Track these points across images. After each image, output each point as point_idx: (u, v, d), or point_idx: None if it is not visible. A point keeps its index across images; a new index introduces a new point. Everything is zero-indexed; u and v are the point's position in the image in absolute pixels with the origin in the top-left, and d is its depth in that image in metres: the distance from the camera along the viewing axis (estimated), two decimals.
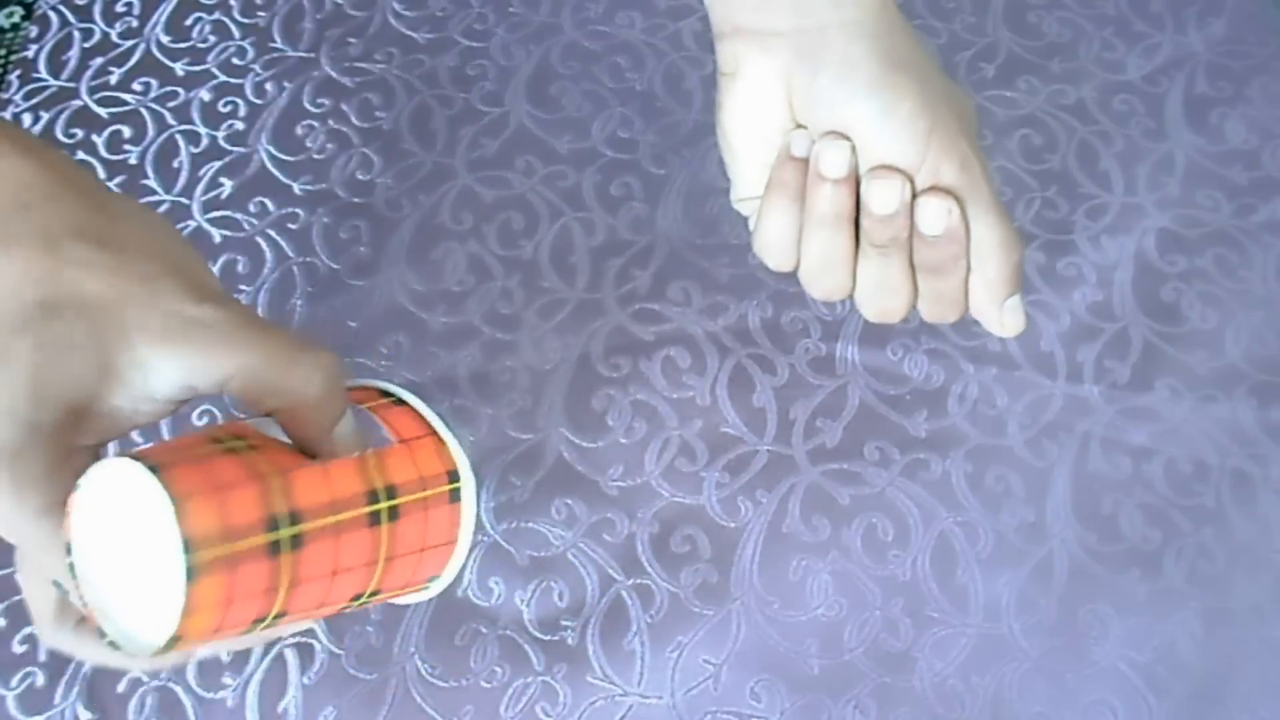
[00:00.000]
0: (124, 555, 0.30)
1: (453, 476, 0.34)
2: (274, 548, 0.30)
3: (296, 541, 0.30)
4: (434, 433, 0.35)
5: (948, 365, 0.50)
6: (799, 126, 0.39)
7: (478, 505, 0.38)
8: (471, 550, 0.46)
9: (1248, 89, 0.57)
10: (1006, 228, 0.38)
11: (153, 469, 0.29)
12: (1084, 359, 0.50)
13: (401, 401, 0.37)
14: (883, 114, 0.37)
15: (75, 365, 0.30)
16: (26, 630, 0.45)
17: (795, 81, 0.38)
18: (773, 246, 0.40)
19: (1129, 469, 0.48)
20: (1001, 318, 0.40)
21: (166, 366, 0.31)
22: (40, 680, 0.44)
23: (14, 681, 0.44)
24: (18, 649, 0.45)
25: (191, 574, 0.28)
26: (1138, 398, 0.49)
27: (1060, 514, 0.47)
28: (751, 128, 0.40)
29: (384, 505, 0.32)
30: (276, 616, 0.31)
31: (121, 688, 0.44)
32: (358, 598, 0.33)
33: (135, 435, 0.48)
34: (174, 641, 0.29)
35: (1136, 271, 0.52)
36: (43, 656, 0.45)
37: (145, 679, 0.44)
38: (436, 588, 0.37)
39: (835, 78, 0.37)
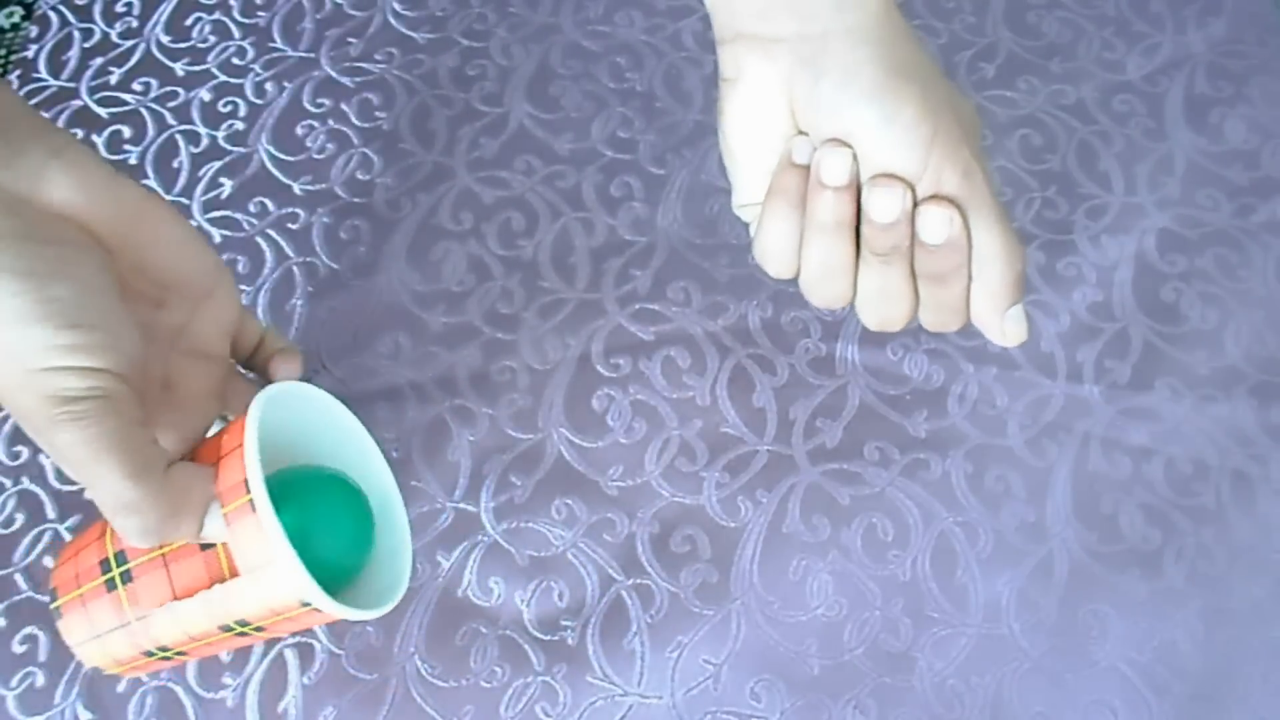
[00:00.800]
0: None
1: (247, 486, 0.34)
2: (110, 583, 0.36)
3: (126, 576, 0.36)
4: (242, 443, 0.35)
5: (948, 365, 0.50)
6: (801, 133, 0.39)
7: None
8: (471, 550, 0.46)
9: (1248, 89, 0.57)
10: (1009, 237, 0.38)
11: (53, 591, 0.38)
12: (1084, 359, 0.50)
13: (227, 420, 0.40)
14: (884, 121, 0.36)
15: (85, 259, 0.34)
16: (26, 630, 0.45)
17: (797, 88, 0.38)
18: (773, 254, 0.40)
19: (1129, 469, 0.48)
20: (1003, 327, 0.39)
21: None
22: (40, 680, 0.44)
23: (14, 681, 0.44)
24: (18, 649, 0.45)
25: (56, 614, 0.37)
26: (1138, 398, 0.49)
27: (1060, 514, 0.47)
28: (753, 134, 0.40)
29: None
30: (164, 650, 0.37)
31: (121, 688, 0.44)
32: (226, 626, 0.36)
33: None
34: (99, 668, 0.38)
35: (1136, 271, 0.52)
36: (43, 656, 0.45)
37: (145, 679, 0.44)
38: (321, 614, 0.36)
39: (837, 84, 0.37)
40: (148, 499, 0.33)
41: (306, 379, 0.41)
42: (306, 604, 0.35)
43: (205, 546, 0.35)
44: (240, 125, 0.58)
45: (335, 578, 0.37)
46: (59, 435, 0.32)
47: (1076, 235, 0.53)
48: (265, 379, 0.42)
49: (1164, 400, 0.49)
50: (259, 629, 0.36)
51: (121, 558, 0.36)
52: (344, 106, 0.58)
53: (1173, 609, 0.45)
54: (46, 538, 0.47)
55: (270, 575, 0.34)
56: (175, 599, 0.35)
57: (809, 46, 0.37)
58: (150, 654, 0.37)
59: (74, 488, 0.48)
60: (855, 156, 0.37)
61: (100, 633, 0.37)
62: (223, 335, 0.40)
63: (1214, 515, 0.46)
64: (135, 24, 0.61)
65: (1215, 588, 0.45)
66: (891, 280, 0.39)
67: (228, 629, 0.36)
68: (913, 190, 0.37)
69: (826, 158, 0.37)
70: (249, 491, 0.34)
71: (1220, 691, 0.43)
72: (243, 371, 0.43)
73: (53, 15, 0.61)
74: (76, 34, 0.61)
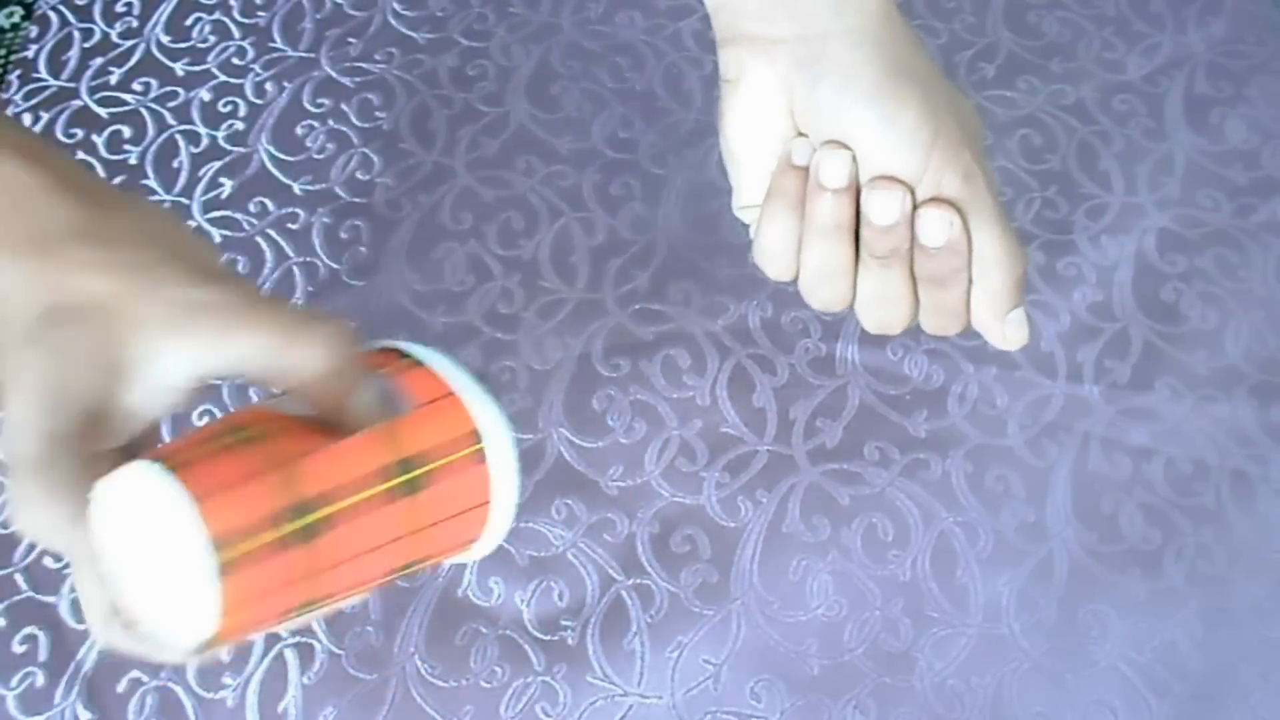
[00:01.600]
0: (151, 559, 0.29)
1: (476, 436, 0.33)
2: (298, 535, 0.29)
3: (320, 527, 0.30)
4: (454, 392, 0.34)
5: (948, 365, 0.50)
6: (801, 134, 0.39)
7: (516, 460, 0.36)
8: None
9: (1248, 89, 0.57)
10: (1009, 240, 0.38)
11: (169, 470, 0.28)
12: (1084, 359, 0.50)
13: (420, 363, 0.35)
14: (884, 123, 0.36)
15: (86, 370, 0.30)
16: (26, 630, 0.45)
17: (797, 89, 0.38)
18: (772, 255, 0.40)
19: (1129, 469, 0.48)
20: (1004, 330, 0.39)
21: (175, 354, 0.30)
22: (40, 680, 0.44)
23: (14, 681, 0.44)
24: (18, 649, 0.45)
25: (220, 573, 0.28)
26: (1138, 398, 0.49)
27: (1060, 514, 0.47)
28: (753, 135, 0.39)
29: (405, 478, 0.32)
30: (314, 602, 0.31)
31: (121, 688, 0.44)
32: (396, 570, 0.33)
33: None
34: (213, 640, 0.29)
35: (1136, 271, 0.52)
36: (43, 656, 0.45)
37: (145, 679, 0.44)
38: (479, 550, 0.35)
39: (837, 86, 0.37)
40: None
41: None
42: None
43: (394, 494, 0.31)
44: (240, 125, 0.58)
45: None
46: None
47: (1076, 235, 0.53)
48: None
49: (1164, 400, 0.49)
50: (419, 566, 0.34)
51: (317, 502, 0.30)
52: (344, 106, 0.58)
53: (1173, 609, 0.45)
54: None
55: (492, 521, 0.34)
56: (373, 550, 0.31)
57: (809, 48, 0.37)
58: (296, 611, 0.31)
59: None
60: (855, 159, 0.37)
61: (269, 591, 0.30)
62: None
63: (1214, 515, 0.46)
64: (135, 24, 0.61)
65: (1215, 588, 0.45)
66: (891, 283, 0.38)
67: (397, 570, 0.33)
68: (912, 193, 0.37)
69: (826, 160, 0.37)
70: (479, 441, 0.32)
71: (1220, 691, 0.43)
72: None
73: (53, 15, 0.61)
74: (76, 34, 0.61)
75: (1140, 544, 0.46)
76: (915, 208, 0.37)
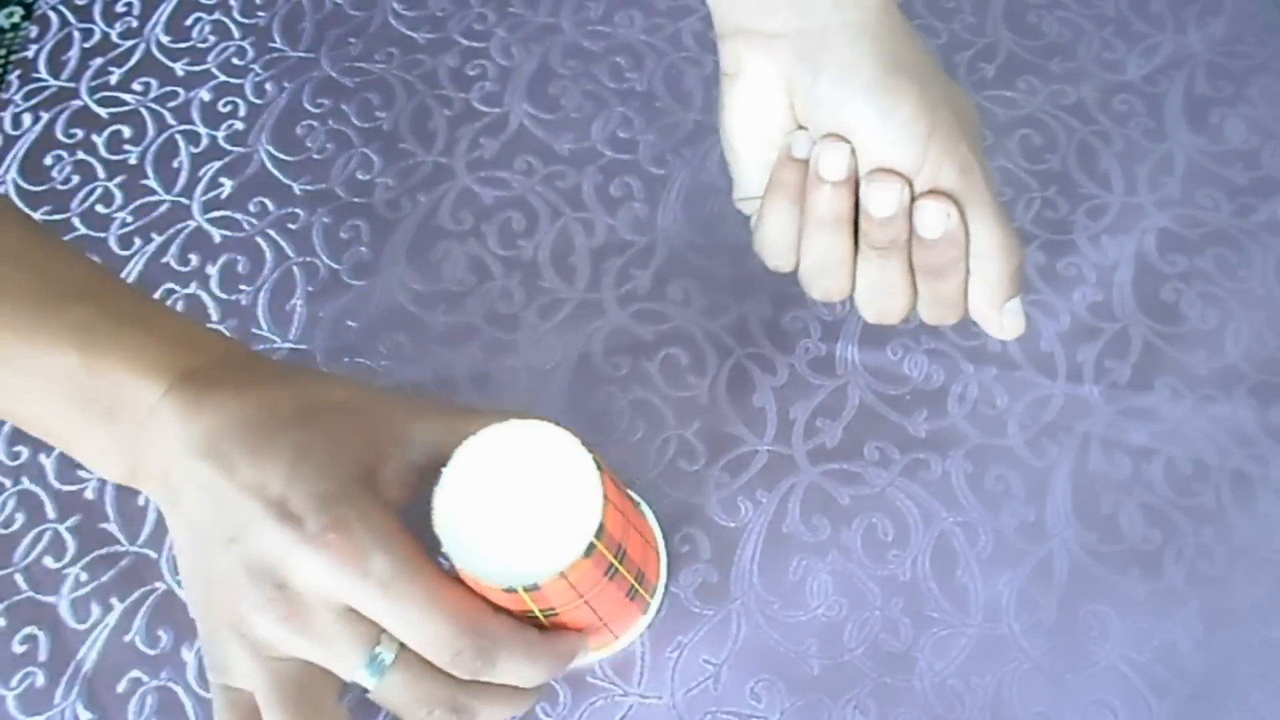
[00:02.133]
0: (521, 495, 0.35)
1: (654, 592, 0.43)
2: (610, 570, 0.37)
3: (614, 573, 0.37)
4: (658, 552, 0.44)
5: (948, 365, 0.50)
6: (800, 127, 0.39)
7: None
8: None
9: (1248, 89, 0.57)
10: (1006, 231, 0.38)
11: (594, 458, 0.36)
12: (1084, 359, 0.50)
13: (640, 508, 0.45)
14: (882, 117, 0.36)
15: (351, 441, 0.36)
16: (26, 630, 0.45)
17: (796, 83, 0.38)
18: (772, 247, 0.40)
19: (1129, 469, 0.48)
20: (1001, 321, 0.39)
21: (422, 434, 0.37)
22: (40, 680, 0.44)
23: (14, 681, 0.44)
24: (18, 649, 0.45)
25: (588, 550, 0.34)
26: (1138, 398, 0.49)
27: (1060, 514, 0.47)
28: (753, 128, 0.40)
29: (635, 585, 0.40)
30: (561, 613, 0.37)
31: (121, 688, 0.44)
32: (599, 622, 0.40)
33: None
34: (533, 588, 0.34)
35: (1136, 271, 0.52)
36: (43, 656, 0.45)
37: (145, 678, 0.44)
38: (595, 654, 0.43)
39: (836, 80, 0.37)
40: None
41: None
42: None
43: (630, 592, 0.40)
44: (240, 125, 0.58)
45: None
46: None
47: (1076, 235, 0.53)
48: None
49: (1164, 400, 0.49)
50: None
51: (621, 557, 0.37)
52: (344, 106, 0.58)
53: (1173, 609, 0.45)
54: (46, 538, 0.47)
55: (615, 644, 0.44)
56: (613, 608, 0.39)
57: (809, 42, 0.37)
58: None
59: (74, 487, 0.48)
60: (853, 151, 0.37)
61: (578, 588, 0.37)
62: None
63: (1214, 515, 0.46)
64: (135, 24, 0.61)
65: (1215, 588, 0.45)
66: (890, 274, 0.39)
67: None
68: (910, 185, 0.37)
69: (825, 153, 0.37)
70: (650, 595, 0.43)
71: (1220, 691, 0.43)
72: None
73: (53, 15, 0.61)
74: (76, 34, 0.61)
75: (1140, 544, 0.46)
76: (913, 199, 0.37)
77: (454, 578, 0.35)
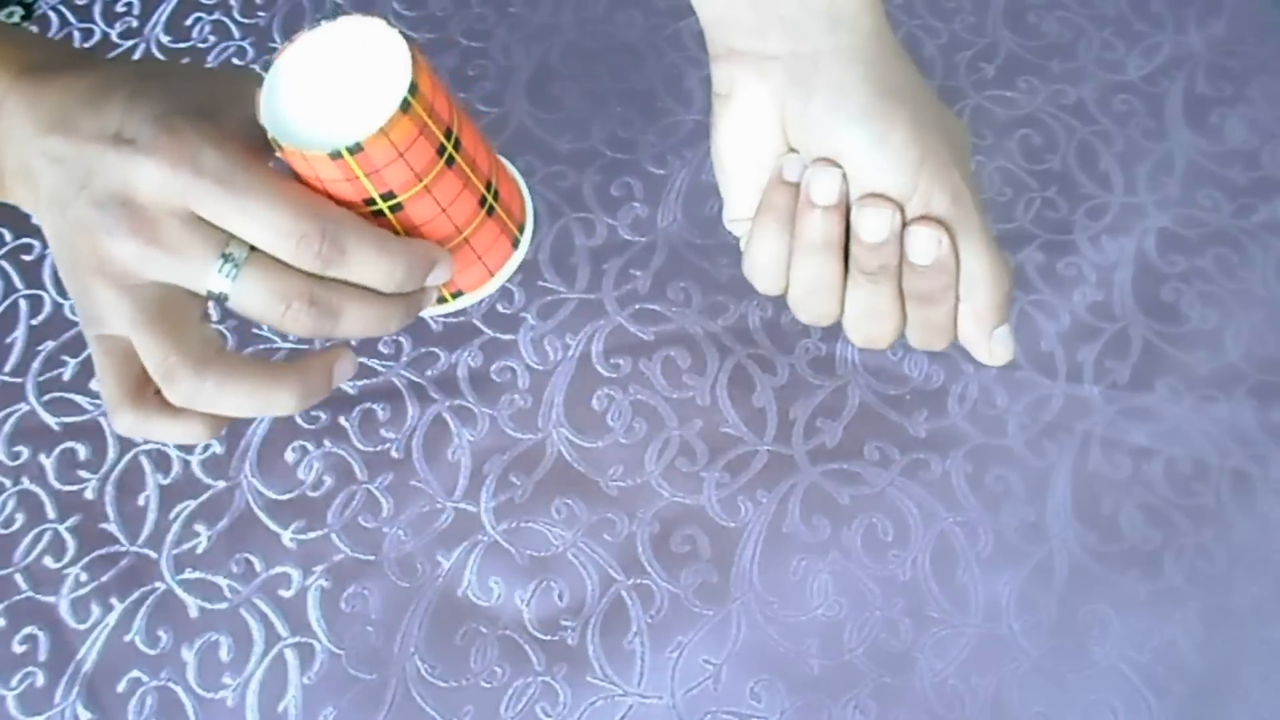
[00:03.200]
0: (341, 81, 0.36)
1: (521, 228, 0.42)
2: (440, 150, 0.36)
3: (451, 160, 0.37)
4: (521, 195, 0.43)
5: (948, 365, 0.50)
6: (792, 150, 0.39)
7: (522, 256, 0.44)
8: (471, 550, 0.46)
9: (1248, 89, 0.57)
10: (996, 259, 0.38)
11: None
12: (1084, 359, 0.50)
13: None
14: (874, 142, 0.36)
15: (189, 89, 0.36)
16: (26, 630, 0.45)
17: (788, 106, 0.38)
18: (762, 270, 0.40)
19: (1129, 469, 0.48)
20: (990, 347, 0.39)
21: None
22: (40, 680, 0.44)
23: (14, 681, 0.44)
24: (18, 649, 0.45)
25: (404, 106, 0.34)
26: (1138, 398, 0.49)
27: (1060, 514, 0.47)
28: (744, 150, 0.40)
29: (487, 194, 0.40)
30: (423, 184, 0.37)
31: (121, 687, 0.44)
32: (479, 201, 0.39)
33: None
34: (356, 148, 0.34)
35: (1136, 271, 0.52)
36: (43, 656, 0.45)
37: (145, 678, 0.44)
38: (477, 292, 0.42)
39: (828, 104, 0.37)
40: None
41: None
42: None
43: (482, 202, 0.39)
44: None
45: None
46: None
47: (1076, 235, 0.53)
48: None
49: (1164, 400, 0.49)
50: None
51: (458, 144, 0.38)
52: None
53: (1173, 609, 0.45)
54: (46, 538, 0.47)
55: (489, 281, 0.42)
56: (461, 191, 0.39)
57: (801, 65, 0.37)
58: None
59: (74, 487, 0.48)
60: (845, 176, 0.37)
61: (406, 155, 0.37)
62: None
63: (1214, 515, 0.46)
64: (135, 24, 0.61)
65: (1215, 588, 0.45)
66: (879, 299, 0.39)
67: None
68: (902, 211, 0.37)
69: (816, 177, 0.37)
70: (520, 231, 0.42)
71: (1220, 691, 0.43)
72: None
73: (53, 15, 0.61)
74: (76, 34, 0.61)
75: (1140, 544, 0.46)
76: (904, 225, 0.37)
77: (291, 177, 0.36)
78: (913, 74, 0.38)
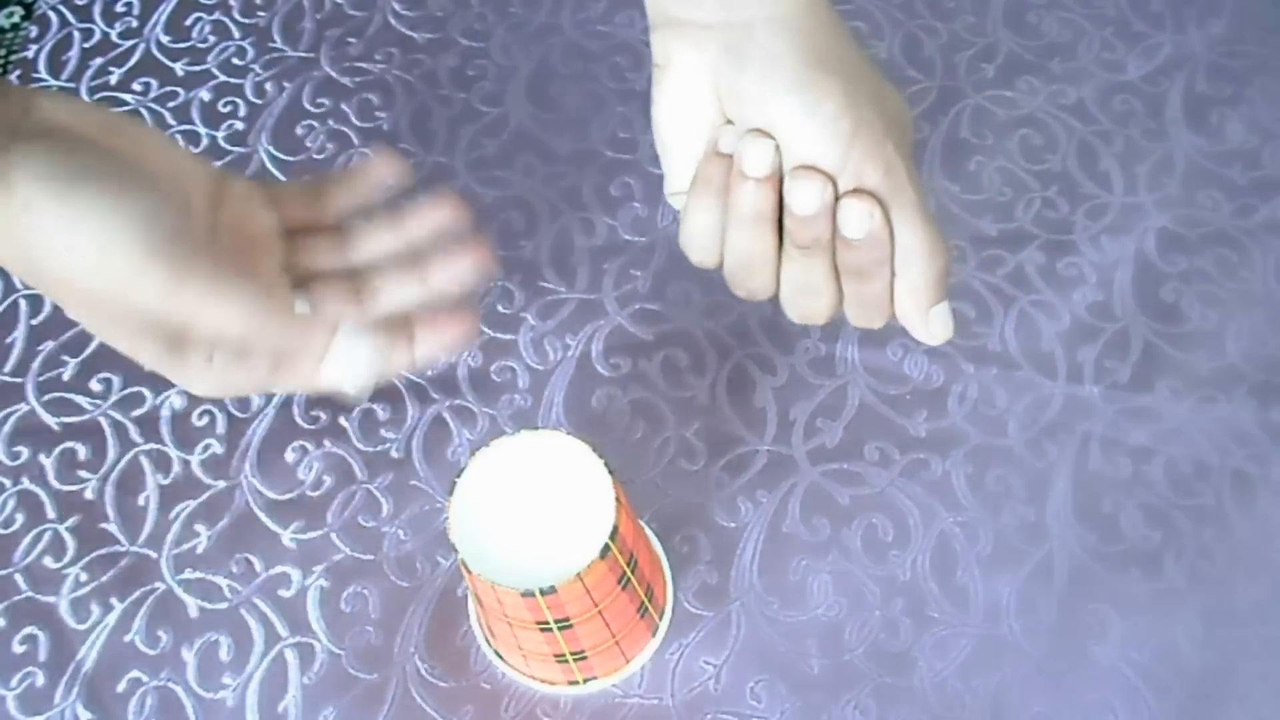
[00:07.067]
0: (535, 498, 0.37)
1: (661, 614, 0.44)
2: (623, 579, 0.38)
3: (626, 583, 0.39)
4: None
5: (948, 365, 0.50)
6: (729, 122, 0.39)
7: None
8: None
9: (1248, 89, 0.57)
10: (931, 233, 0.37)
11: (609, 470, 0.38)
12: (1084, 359, 0.50)
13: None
14: (805, 113, 0.36)
15: None
16: (26, 630, 0.45)
17: (722, 76, 0.37)
18: (696, 242, 0.40)
19: (1129, 469, 0.48)
20: (928, 325, 0.39)
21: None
22: (40, 680, 0.44)
23: (14, 681, 0.44)
24: (18, 649, 0.45)
25: (603, 552, 0.35)
26: (1138, 398, 0.49)
27: (1060, 514, 0.47)
28: (681, 121, 0.39)
29: (645, 601, 0.42)
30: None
31: (121, 688, 0.44)
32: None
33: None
34: (549, 590, 0.35)
35: (1136, 271, 0.52)
36: (43, 656, 0.45)
37: (145, 678, 0.44)
38: (611, 677, 0.44)
39: (759, 74, 0.36)
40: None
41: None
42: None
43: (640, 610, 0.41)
44: (240, 125, 0.58)
45: None
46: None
47: (1076, 235, 0.53)
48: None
49: (1164, 400, 0.49)
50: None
51: (634, 565, 0.39)
52: (344, 106, 0.58)
53: (1173, 609, 0.45)
54: (46, 538, 0.47)
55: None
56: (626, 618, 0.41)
57: (735, 35, 0.37)
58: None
59: (74, 487, 0.48)
60: (778, 148, 0.37)
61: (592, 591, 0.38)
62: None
63: (1214, 515, 0.46)
64: (135, 24, 0.61)
65: (1215, 588, 0.45)
66: (813, 274, 0.38)
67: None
68: (835, 183, 0.37)
69: (748, 148, 0.37)
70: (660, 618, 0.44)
71: (1220, 691, 0.43)
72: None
73: (53, 15, 0.61)
74: (76, 34, 0.61)
75: (1140, 544, 0.46)
76: (837, 199, 0.37)
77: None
78: (850, 45, 0.38)
